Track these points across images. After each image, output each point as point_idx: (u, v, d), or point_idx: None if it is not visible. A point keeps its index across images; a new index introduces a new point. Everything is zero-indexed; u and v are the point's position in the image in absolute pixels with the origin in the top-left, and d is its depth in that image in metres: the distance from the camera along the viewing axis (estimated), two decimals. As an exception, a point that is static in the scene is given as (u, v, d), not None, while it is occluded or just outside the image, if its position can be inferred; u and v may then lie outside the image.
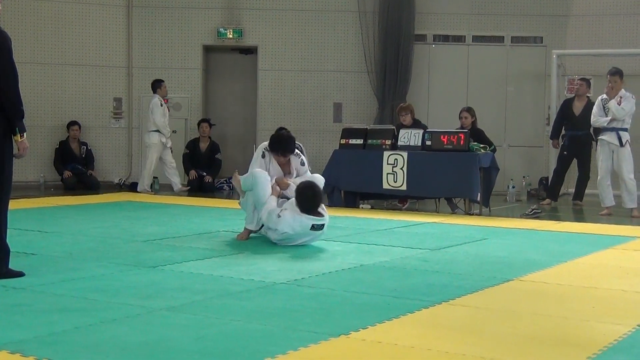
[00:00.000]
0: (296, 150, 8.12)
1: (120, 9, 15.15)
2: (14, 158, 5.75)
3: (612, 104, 10.98)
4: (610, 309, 5.13)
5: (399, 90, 14.69)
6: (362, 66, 14.99)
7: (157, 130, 13.46)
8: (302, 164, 8.16)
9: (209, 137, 14.39)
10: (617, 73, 11.19)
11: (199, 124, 14.36)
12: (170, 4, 15.18)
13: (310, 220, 7.44)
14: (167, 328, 4.36)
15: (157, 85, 13.69)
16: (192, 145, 14.30)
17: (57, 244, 7.42)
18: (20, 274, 5.69)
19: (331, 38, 15.19)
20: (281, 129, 10.46)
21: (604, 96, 11.22)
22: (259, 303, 5.04)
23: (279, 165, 8.04)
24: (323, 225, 7.53)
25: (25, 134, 5.73)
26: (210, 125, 14.37)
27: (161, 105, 13.49)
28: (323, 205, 7.68)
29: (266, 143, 8.11)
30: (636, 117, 11.39)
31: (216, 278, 5.85)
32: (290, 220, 7.41)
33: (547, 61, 14.71)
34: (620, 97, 11.05)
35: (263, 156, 8.01)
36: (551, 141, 13.20)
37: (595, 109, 11.32)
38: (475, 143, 10.97)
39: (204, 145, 14.12)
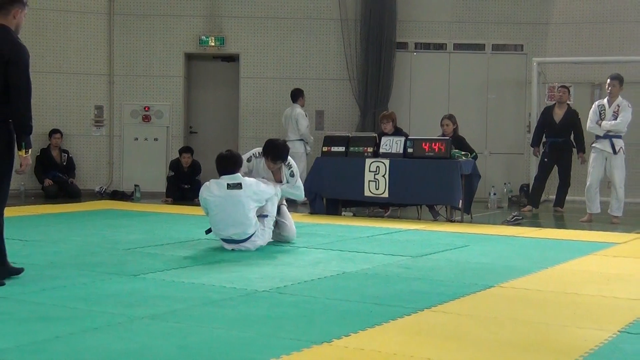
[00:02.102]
0: (288, 161, 8.28)
1: (101, 17, 15.11)
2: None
3: (606, 126, 11.02)
4: (591, 314, 5.16)
5: (381, 97, 14.73)
6: (344, 74, 15.02)
7: (300, 139, 13.48)
8: (292, 175, 8.39)
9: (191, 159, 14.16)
10: (617, 78, 11.23)
11: (180, 153, 14.07)
12: (152, 11, 15.16)
13: (224, 180, 7.70)
14: (149, 336, 4.35)
15: (299, 94, 13.80)
16: (176, 167, 14.06)
17: (38, 252, 7.38)
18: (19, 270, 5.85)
19: (313, 46, 15.21)
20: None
21: (602, 102, 11.26)
22: (241, 311, 5.03)
23: (271, 171, 8.30)
24: (239, 184, 7.66)
25: (30, 150, 5.79)
26: (192, 153, 14.15)
27: (306, 115, 13.60)
28: (254, 180, 7.88)
29: (254, 150, 8.42)
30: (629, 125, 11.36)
31: (198, 286, 5.84)
32: (210, 185, 7.77)
33: (528, 69, 14.79)
34: (618, 106, 11.07)
35: (249, 160, 8.33)
36: (532, 149, 13.26)
37: (591, 114, 11.30)
38: (457, 150, 11.01)
39: (186, 167, 13.96)
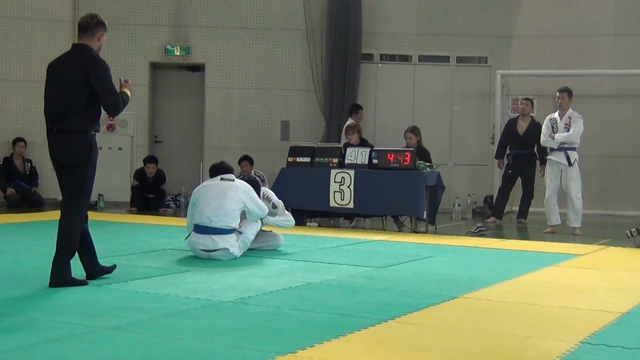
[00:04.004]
0: (266, 194, 8.65)
1: (66, 25, 15.01)
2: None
3: (560, 138, 11.15)
4: (553, 325, 5.20)
5: (346, 108, 14.76)
6: (309, 84, 15.05)
7: None
8: (275, 206, 8.64)
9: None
10: (565, 90, 11.41)
11: (145, 163, 13.99)
12: (117, 20, 15.06)
13: (219, 176, 8.09)
14: (112, 347, 4.32)
15: (353, 109, 13.89)
16: (141, 176, 13.99)
17: (-1, 262, 7.30)
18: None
19: (279, 56, 15.22)
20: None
21: (553, 115, 11.40)
22: (206, 322, 5.02)
23: None
24: (233, 179, 8.04)
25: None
26: (157, 163, 14.07)
27: None
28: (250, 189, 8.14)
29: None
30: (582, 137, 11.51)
31: (162, 296, 5.81)
32: (204, 181, 8.30)
33: (492, 81, 14.93)
34: (570, 118, 11.22)
35: None
36: (496, 161, 13.37)
37: (544, 129, 11.45)
38: (422, 161, 11.05)
39: (151, 177, 13.90)
